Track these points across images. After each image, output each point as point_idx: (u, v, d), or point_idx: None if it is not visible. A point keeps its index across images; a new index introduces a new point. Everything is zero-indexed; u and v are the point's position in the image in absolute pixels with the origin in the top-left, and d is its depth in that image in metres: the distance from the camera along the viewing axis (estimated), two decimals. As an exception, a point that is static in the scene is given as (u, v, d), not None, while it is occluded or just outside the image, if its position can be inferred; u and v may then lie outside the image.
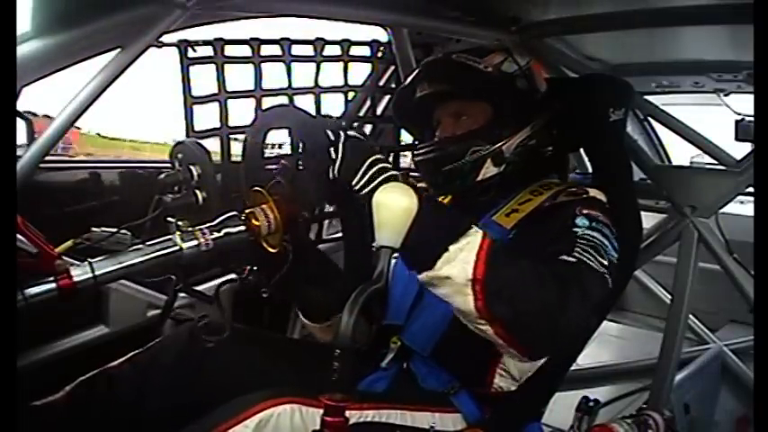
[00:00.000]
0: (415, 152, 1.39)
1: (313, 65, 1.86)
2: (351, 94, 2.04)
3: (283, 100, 1.80)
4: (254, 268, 1.22)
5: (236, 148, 1.67)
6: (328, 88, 1.95)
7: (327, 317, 1.34)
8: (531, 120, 1.34)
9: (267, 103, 1.76)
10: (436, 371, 1.25)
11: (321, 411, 0.88)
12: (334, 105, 1.99)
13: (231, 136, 1.73)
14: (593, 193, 1.28)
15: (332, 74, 2.05)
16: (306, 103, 1.87)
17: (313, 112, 1.97)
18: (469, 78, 1.34)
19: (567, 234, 1.14)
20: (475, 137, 1.31)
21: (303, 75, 1.90)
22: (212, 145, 1.72)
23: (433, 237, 0.97)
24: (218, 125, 1.72)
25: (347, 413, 0.87)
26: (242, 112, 1.76)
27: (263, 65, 1.75)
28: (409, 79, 1.44)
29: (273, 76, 1.82)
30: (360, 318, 0.88)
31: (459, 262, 0.95)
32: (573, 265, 1.06)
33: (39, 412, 1.18)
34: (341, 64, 1.96)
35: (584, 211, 1.19)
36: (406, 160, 2.31)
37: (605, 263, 1.11)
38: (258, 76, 1.74)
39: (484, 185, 1.33)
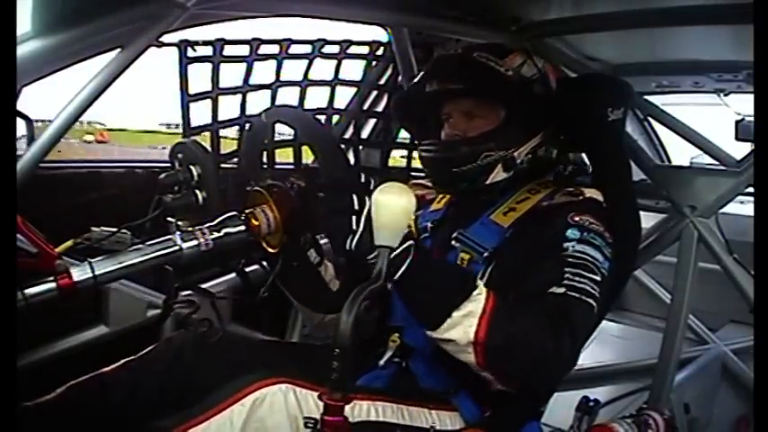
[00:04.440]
0: (423, 147, 1.37)
1: (320, 64, 1.95)
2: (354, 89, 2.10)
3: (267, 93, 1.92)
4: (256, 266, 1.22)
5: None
6: (315, 81, 2.01)
7: (321, 308, 1.35)
8: (543, 126, 1.34)
9: (256, 98, 1.88)
10: (436, 370, 1.25)
11: (315, 394, 0.95)
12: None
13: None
14: (589, 193, 1.28)
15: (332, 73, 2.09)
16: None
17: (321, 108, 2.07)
18: (489, 80, 1.32)
19: (556, 251, 1.17)
20: (488, 140, 1.29)
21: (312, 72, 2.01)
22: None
23: (438, 300, 1.04)
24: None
25: None
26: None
27: (269, 64, 1.85)
28: (423, 72, 1.42)
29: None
30: (361, 315, 0.89)
31: (462, 327, 1.02)
32: (561, 298, 1.10)
33: (28, 412, 1.18)
34: (343, 63, 2.01)
35: (576, 219, 1.20)
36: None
37: (597, 278, 1.14)
38: (247, 74, 1.83)
39: (489, 188, 1.32)
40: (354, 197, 1.03)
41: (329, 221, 1.11)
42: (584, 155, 1.55)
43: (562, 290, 1.10)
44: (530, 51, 1.41)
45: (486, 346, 1.02)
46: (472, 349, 1.02)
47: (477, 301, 1.03)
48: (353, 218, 1.02)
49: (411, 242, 1.02)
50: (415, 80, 1.48)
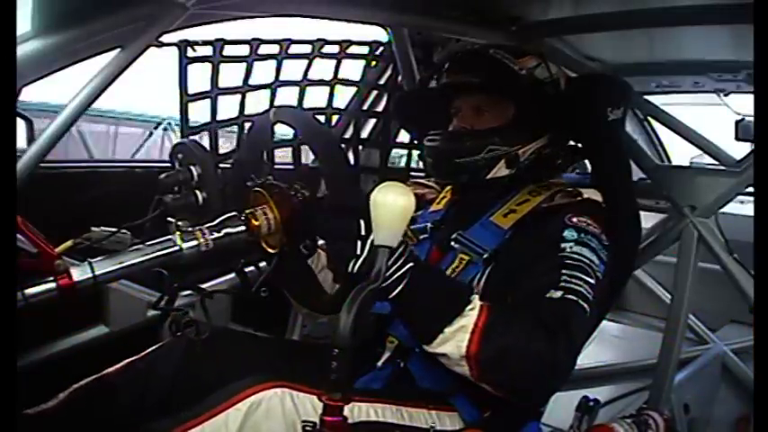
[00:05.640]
0: (428, 137, 1.38)
1: (321, 64, 1.96)
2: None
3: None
4: (254, 268, 1.22)
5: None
6: (315, 81, 2.02)
7: (319, 309, 1.35)
8: (550, 129, 1.34)
9: (255, 98, 1.89)
10: (433, 370, 1.25)
11: (313, 398, 0.95)
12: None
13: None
14: (587, 194, 1.29)
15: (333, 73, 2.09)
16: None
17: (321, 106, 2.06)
18: (502, 76, 1.34)
19: (553, 252, 1.17)
20: (494, 135, 1.30)
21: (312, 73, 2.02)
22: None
23: (431, 316, 1.04)
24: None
25: None
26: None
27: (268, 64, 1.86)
28: (446, 66, 1.44)
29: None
30: (360, 315, 0.89)
31: (455, 341, 1.03)
32: (558, 303, 1.09)
33: (33, 420, 1.18)
34: (344, 62, 2.01)
35: (574, 220, 1.21)
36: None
37: (592, 281, 1.14)
38: (247, 74, 1.84)
39: (490, 183, 1.33)
40: (361, 222, 1.03)
41: (332, 244, 1.11)
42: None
43: (559, 293, 1.10)
44: (545, 56, 1.42)
45: (479, 360, 1.02)
46: (466, 363, 1.03)
47: (470, 316, 1.03)
48: (358, 243, 1.03)
49: (411, 264, 1.03)
50: (434, 75, 1.48)
